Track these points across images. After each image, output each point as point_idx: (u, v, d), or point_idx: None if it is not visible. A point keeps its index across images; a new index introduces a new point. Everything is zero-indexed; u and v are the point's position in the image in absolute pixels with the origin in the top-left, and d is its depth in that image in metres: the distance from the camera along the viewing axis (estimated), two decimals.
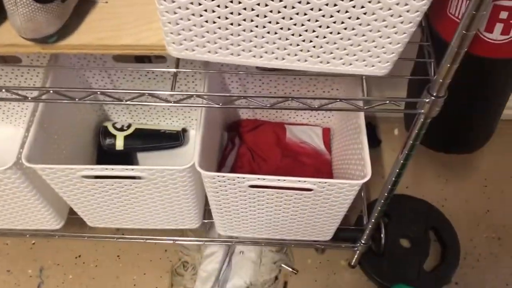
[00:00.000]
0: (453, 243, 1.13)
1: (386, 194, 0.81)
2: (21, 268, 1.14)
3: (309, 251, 1.14)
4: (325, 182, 0.75)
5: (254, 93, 1.03)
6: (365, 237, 0.97)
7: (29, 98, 0.64)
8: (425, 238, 1.13)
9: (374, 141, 1.32)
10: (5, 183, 0.82)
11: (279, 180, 0.75)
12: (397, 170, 0.74)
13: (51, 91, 0.64)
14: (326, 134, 1.09)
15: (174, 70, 0.64)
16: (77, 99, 0.62)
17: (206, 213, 1.00)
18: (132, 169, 0.78)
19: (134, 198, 0.88)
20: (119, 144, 1.09)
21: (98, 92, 0.60)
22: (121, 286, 1.11)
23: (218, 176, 0.76)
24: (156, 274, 1.12)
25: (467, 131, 0.86)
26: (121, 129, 1.10)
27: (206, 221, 1.01)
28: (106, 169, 0.78)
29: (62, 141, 0.93)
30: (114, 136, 1.09)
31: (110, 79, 1.03)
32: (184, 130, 1.12)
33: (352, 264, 1.10)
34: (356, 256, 1.06)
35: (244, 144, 1.07)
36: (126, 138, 1.09)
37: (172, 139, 1.11)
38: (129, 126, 1.12)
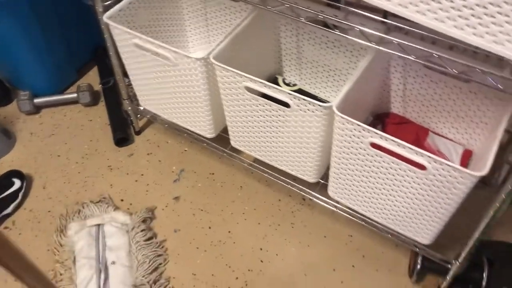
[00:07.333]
0: None
1: (497, 204, 0.81)
2: (169, 163, 1.39)
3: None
4: (441, 163, 0.80)
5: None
6: (462, 255, 0.96)
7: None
8: None
9: None
10: (191, 74, 1.04)
11: (399, 145, 0.83)
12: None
13: None
14: (466, 155, 1.10)
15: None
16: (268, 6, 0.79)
17: (324, 176, 1.11)
18: (284, 92, 0.93)
19: (275, 128, 1.03)
20: None
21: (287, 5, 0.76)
22: (233, 211, 1.27)
23: (348, 122, 0.86)
24: (263, 216, 1.26)
25: None
26: (288, 85, 1.28)
27: (321, 181, 1.12)
28: (265, 85, 0.94)
29: (241, 66, 1.13)
30: None
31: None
32: None
33: None
34: (447, 280, 1.04)
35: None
36: None
37: None
38: (294, 85, 1.28)
